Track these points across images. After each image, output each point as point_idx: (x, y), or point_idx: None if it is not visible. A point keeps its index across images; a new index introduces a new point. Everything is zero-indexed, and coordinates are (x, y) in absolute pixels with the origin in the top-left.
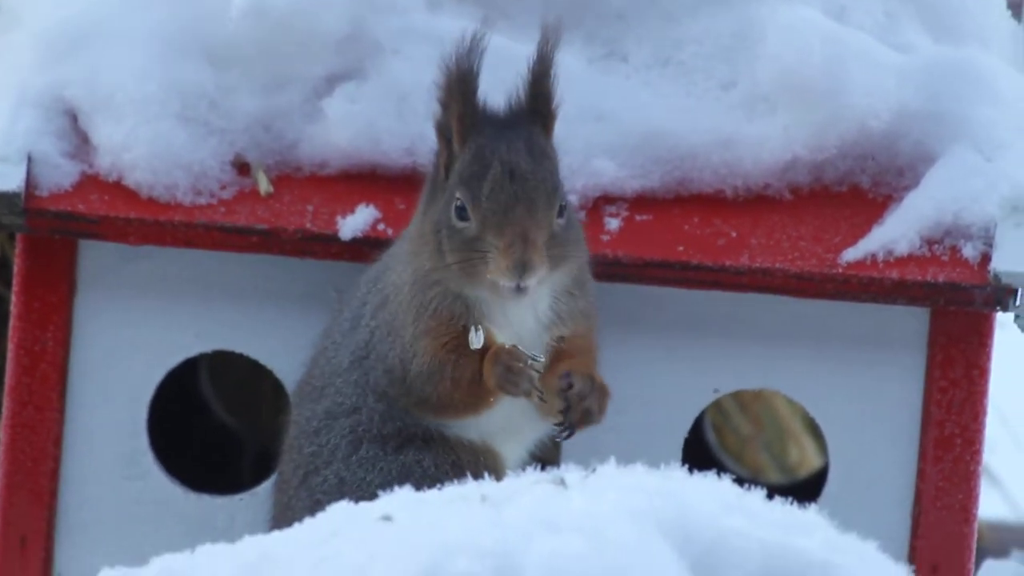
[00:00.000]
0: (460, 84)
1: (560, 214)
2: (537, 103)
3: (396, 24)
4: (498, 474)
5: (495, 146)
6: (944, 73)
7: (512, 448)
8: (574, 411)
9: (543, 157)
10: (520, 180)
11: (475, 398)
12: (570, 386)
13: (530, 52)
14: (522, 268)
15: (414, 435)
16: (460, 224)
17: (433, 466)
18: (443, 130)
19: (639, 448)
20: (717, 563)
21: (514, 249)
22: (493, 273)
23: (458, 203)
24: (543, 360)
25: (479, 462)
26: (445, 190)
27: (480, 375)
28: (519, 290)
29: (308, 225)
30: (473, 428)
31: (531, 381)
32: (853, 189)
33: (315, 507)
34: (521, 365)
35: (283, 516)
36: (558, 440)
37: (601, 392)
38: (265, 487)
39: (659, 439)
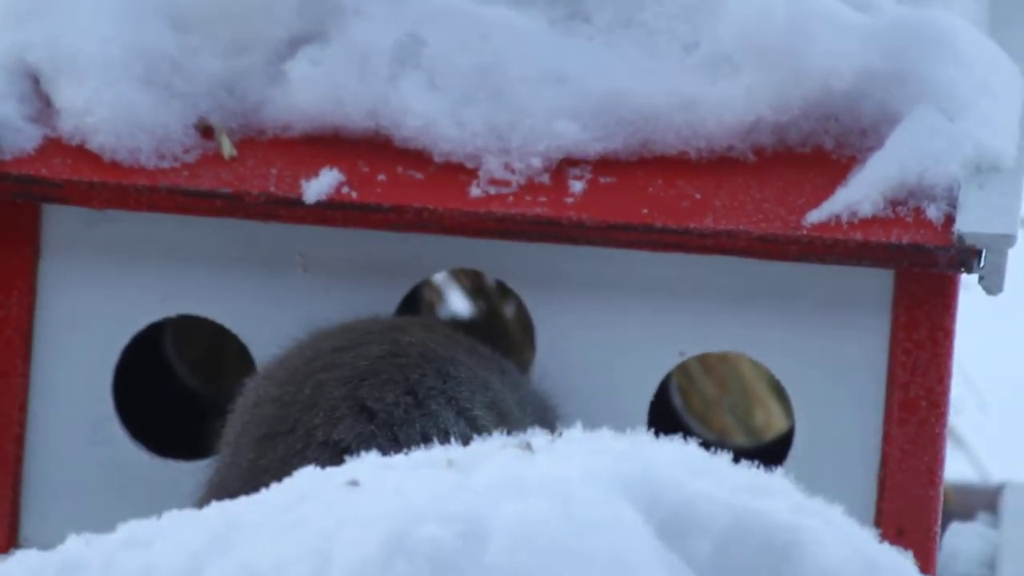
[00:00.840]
0: None
1: None
2: None
3: None
4: None
5: None
6: (907, 33)
7: None
8: None
9: None
10: None
11: None
12: None
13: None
14: None
15: None
16: None
17: None
18: None
19: (605, 412)
20: (683, 526)
21: None
22: None
23: None
24: None
25: None
26: None
27: None
28: None
29: (272, 188)
30: None
31: None
32: (816, 150)
33: None
34: None
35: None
36: None
37: None
38: None
39: (624, 403)
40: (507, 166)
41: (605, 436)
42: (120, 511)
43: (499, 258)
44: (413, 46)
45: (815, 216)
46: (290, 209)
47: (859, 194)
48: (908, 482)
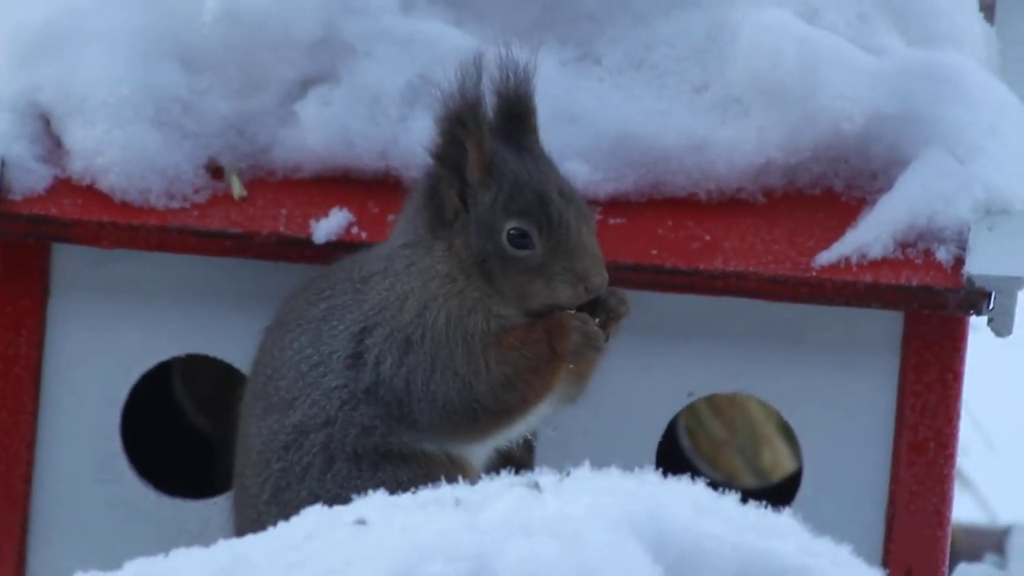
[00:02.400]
0: (474, 114)
1: None
2: (524, 119)
3: (368, 26)
4: (470, 481)
5: (530, 172)
6: (917, 76)
7: (482, 453)
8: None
9: (558, 169)
10: (574, 203)
11: (552, 377)
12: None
13: (505, 63)
14: (600, 289)
15: (390, 452)
16: (519, 253)
17: (407, 480)
18: (449, 160)
19: (613, 452)
20: (692, 567)
21: (594, 273)
22: (566, 297)
23: (514, 232)
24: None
25: (451, 474)
26: (471, 221)
27: (551, 354)
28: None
29: (282, 229)
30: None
31: (604, 338)
32: (826, 192)
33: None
34: (594, 328)
35: (252, 529)
36: None
37: (613, 291)
38: None
39: (633, 443)
40: None
41: (613, 475)
42: (127, 548)
43: None
44: (423, 87)
45: (824, 258)
46: (299, 249)
47: (869, 236)
48: (916, 523)
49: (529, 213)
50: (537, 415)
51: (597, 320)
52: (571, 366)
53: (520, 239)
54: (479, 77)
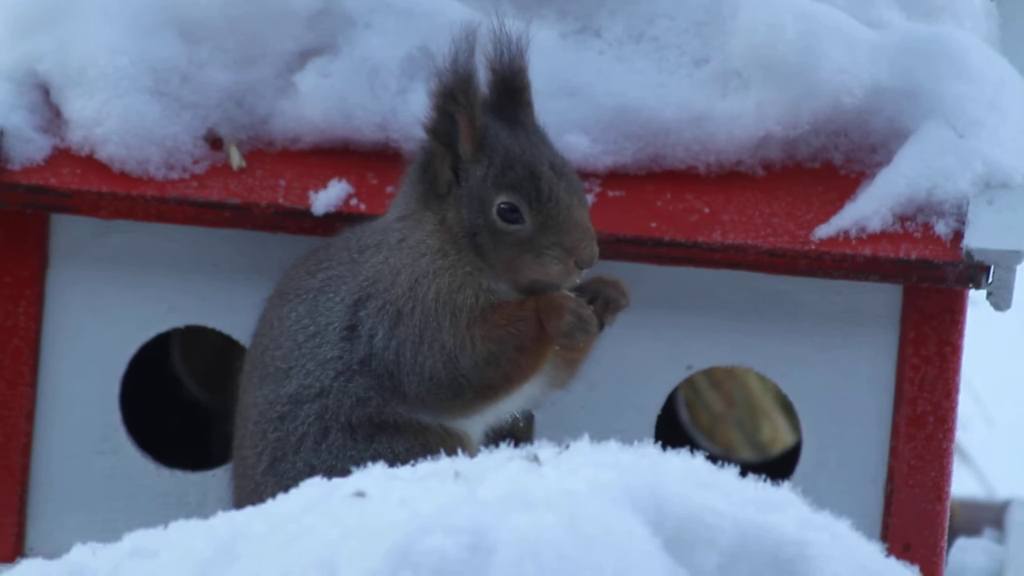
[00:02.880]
0: (465, 89)
1: None
2: (519, 93)
3: None
4: (468, 454)
5: (522, 146)
6: (917, 50)
7: (478, 427)
8: (598, 305)
9: (553, 144)
10: (565, 177)
11: (539, 357)
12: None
13: (499, 38)
14: (590, 263)
15: (385, 423)
16: (510, 227)
17: (404, 451)
18: (442, 134)
19: (612, 425)
20: (690, 539)
21: (583, 247)
22: (555, 271)
23: (504, 207)
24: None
25: (448, 446)
26: (463, 195)
27: (539, 333)
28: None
29: (281, 200)
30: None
31: (596, 324)
32: (826, 166)
33: (284, 492)
34: (589, 311)
35: (249, 500)
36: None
37: (615, 283)
38: None
39: (632, 416)
40: None
41: (612, 449)
42: (126, 520)
43: None
44: (422, 60)
45: (824, 231)
46: (298, 220)
47: (868, 209)
48: (915, 497)
49: (519, 187)
50: (525, 395)
51: (593, 307)
52: (558, 347)
53: (510, 213)
54: (472, 51)
